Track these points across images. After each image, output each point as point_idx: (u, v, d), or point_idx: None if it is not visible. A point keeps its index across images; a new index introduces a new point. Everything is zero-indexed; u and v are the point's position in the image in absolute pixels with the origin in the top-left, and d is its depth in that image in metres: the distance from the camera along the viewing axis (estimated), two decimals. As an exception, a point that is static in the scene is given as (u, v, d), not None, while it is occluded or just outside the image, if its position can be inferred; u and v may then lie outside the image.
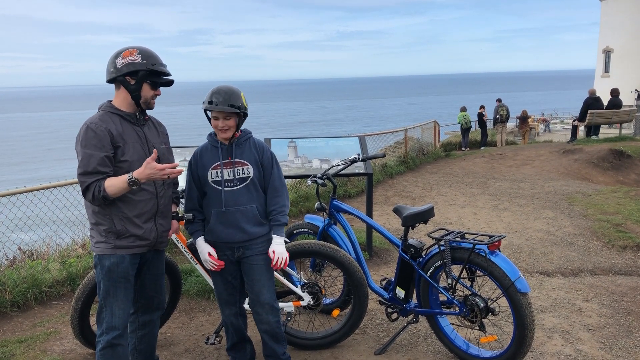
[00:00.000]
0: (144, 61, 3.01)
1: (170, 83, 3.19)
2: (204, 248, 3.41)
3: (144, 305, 3.38)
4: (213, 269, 3.43)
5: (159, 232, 3.19)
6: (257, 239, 3.38)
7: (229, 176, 3.34)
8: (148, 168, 2.92)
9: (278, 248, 3.34)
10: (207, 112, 3.32)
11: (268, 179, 3.41)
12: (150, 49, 3.12)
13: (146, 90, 3.07)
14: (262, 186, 3.42)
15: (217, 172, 3.35)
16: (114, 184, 2.91)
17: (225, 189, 3.33)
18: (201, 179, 3.39)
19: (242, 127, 3.43)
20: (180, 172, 3.01)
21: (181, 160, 4.96)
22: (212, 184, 3.36)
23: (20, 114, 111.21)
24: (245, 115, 3.35)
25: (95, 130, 2.93)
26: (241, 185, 3.34)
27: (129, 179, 2.90)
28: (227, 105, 3.21)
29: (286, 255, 3.36)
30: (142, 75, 3.03)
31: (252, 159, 3.37)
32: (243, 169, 3.35)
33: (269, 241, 3.41)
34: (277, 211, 3.39)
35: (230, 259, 3.43)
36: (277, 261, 3.32)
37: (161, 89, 3.19)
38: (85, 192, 2.92)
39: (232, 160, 3.34)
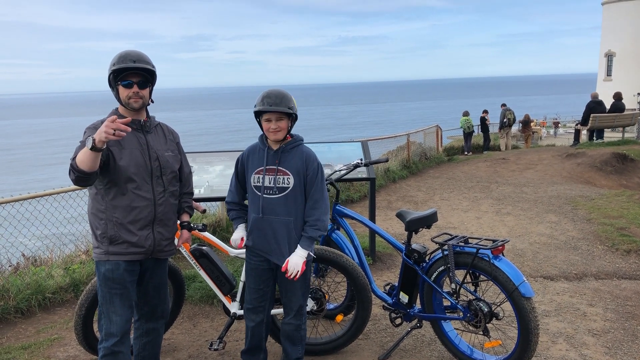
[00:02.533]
0: (111, 65, 3.03)
1: (144, 72, 3.05)
2: (240, 233, 3.46)
3: (147, 313, 3.37)
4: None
5: (157, 240, 3.14)
6: (290, 254, 3.32)
7: (270, 183, 3.32)
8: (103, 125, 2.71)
9: (293, 259, 3.26)
10: (257, 116, 3.33)
11: (310, 189, 3.34)
12: (130, 50, 3.11)
13: (121, 92, 3.06)
14: (305, 197, 3.37)
15: (259, 177, 3.34)
16: (80, 153, 2.77)
17: (264, 195, 3.32)
18: (246, 179, 3.42)
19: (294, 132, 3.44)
20: (118, 134, 2.68)
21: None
22: (254, 189, 3.36)
23: (25, 120, 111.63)
24: (296, 118, 3.36)
25: (92, 127, 2.99)
26: (280, 195, 3.31)
27: (85, 146, 2.72)
28: (280, 106, 3.22)
29: (299, 268, 3.25)
30: (111, 80, 3.06)
31: (295, 169, 3.32)
32: (284, 178, 3.31)
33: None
34: (309, 223, 3.33)
35: (264, 267, 3.42)
36: (290, 273, 3.25)
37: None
38: (69, 173, 2.84)
39: (275, 167, 3.32)
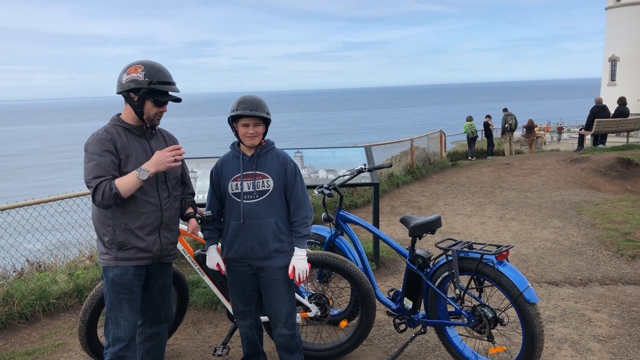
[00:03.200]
0: (146, 79, 3.00)
1: (177, 100, 3.16)
2: (214, 257, 3.45)
3: (151, 318, 3.37)
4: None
5: (163, 245, 3.16)
6: (275, 254, 3.35)
7: (249, 188, 3.32)
8: (157, 155, 2.97)
9: (299, 264, 3.33)
10: (232, 121, 3.33)
11: (291, 190, 3.37)
12: (159, 64, 3.10)
13: (149, 108, 3.06)
14: (285, 198, 3.39)
15: (237, 184, 3.34)
16: (124, 180, 2.93)
17: (244, 201, 3.32)
18: (222, 189, 3.39)
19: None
20: (181, 155, 3.04)
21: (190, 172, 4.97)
22: (232, 196, 3.35)
23: (30, 126, 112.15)
24: (269, 124, 3.38)
25: (102, 139, 3.00)
26: (261, 198, 3.32)
27: (137, 171, 2.92)
28: (258, 111, 3.23)
29: (307, 268, 3.36)
30: (143, 93, 3.03)
31: (274, 171, 3.34)
32: (263, 181, 3.33)
33: (287, 254, 3.38)
34: (298, 222, 3.36)
35: (248, 271, 3.42)
36: (298, 276, 3.32)
37: (171, 102, 3.16)
38: (94, 194, 2.91)
39: (253, 172, 3.33)
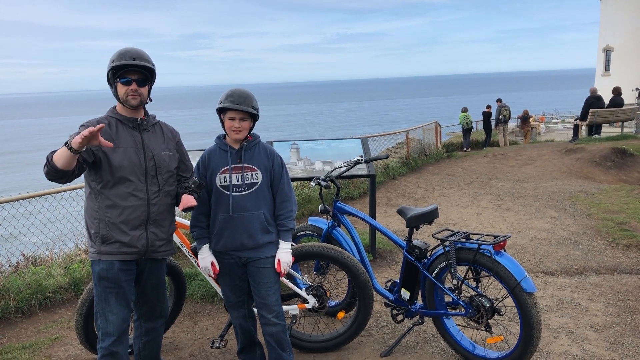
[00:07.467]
0: (112, 62, 3.02)
1: (141, 68, 3.02)
2: (208, 256, 3.41)
3: (146, 313, 3.36)
4: (209, 276, 3.49)
5: (150, 241, 3.10)
6: (263, 245, 3.37)
7: (238, 181, 3.32)
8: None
9: (284, 257, 3.39)
10: (220, 113, 3.33)
11: (277, 184, 3.40)
12: (129, 47, 3.09)
13: (120, 89, 3.05)
14: (271, 192, 3.42)
15: (225, 176, 3.33)
16: (58, 151, 2.79)
17: (233, 193, 3.31)
18: (208, 182, 3.37)
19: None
20: (90, 133, 2.64)
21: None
22: (220, 189, 3.33)
23: (23, 120, 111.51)
24: (257, 119, 3.38)
25: (85, 126, 2.97)
26: (250, 191, 3.33)
27: (65, 143, 2.75)
28: (243, 105, 3.23)
29: (291, 261, 3.43)
30: (110, 77, 3.05)
31: (262, 165, 3.36)
32: (252, 174, 3.34)
33: (275, 244, 3.41)
34: (284, 216, 3.41)
35: (237, 263, 3.42)
36: (283, 269, 3.39)
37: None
38: (43, 166, 2.83)
39: (241, 165, 3.33)
